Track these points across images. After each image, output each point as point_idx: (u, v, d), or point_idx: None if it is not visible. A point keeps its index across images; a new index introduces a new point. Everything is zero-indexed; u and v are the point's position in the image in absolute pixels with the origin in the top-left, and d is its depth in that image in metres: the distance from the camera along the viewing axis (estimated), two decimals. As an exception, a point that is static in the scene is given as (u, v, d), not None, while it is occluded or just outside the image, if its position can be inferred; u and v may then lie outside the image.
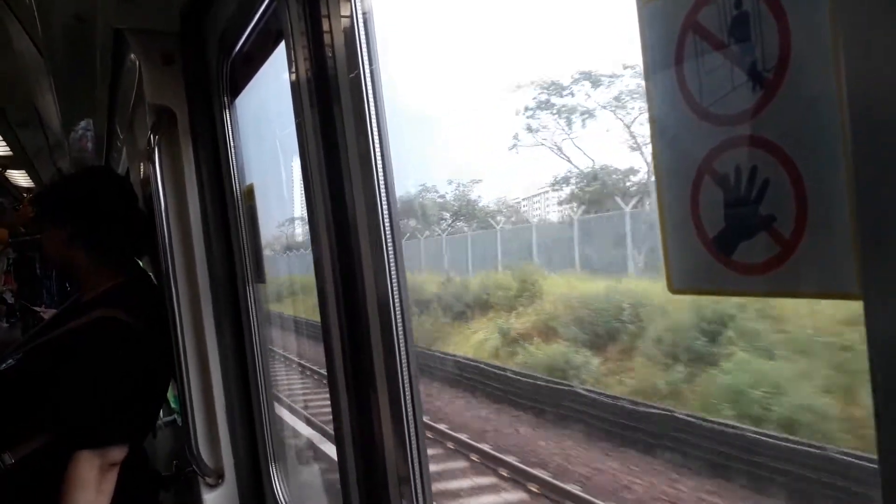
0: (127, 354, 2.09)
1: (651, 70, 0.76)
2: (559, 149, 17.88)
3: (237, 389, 2.57)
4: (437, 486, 8.38)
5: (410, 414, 1.58)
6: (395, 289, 1.58)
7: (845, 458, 6.84)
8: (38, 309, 5.34)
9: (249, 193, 2.46)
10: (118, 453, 2.02)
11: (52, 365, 2.09)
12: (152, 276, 2.87)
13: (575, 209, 15.95)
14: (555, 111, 17.75)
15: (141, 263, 3.95)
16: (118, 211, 2.30)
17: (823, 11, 0.56)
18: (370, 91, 1.55)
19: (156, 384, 2.26)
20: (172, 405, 3.41)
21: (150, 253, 3.21)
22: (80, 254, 2.25)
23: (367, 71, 1.56)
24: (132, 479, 2.18)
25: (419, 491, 1.59)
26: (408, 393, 1.58)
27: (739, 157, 0.66)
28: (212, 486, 2.55)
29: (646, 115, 0.78)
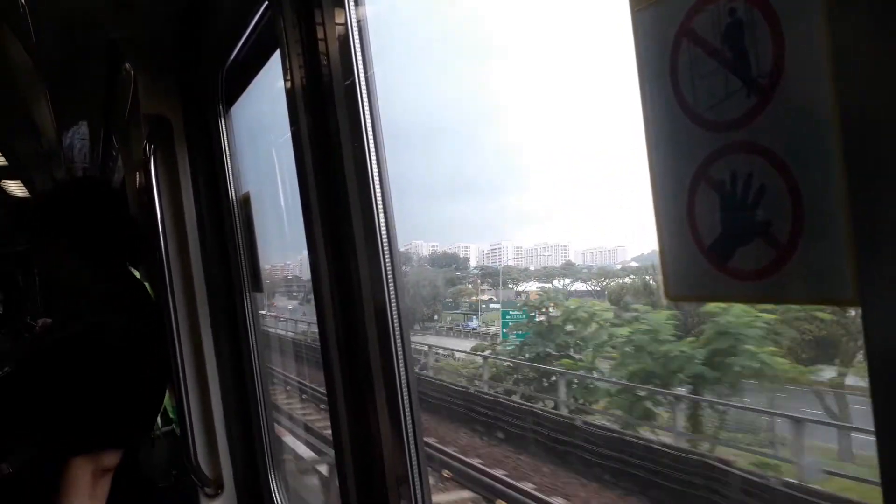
0: (120, 359, 2.08)
1: (645, 76, 0.76)
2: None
3: (235, 398, 2.56)
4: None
5: (408, 416, 1.58)
6: (391, 294, 1.57)
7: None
8: (33, 322, 5.33)
9: (246, 202, 2.45)
10: (111, 459, 2.02)
11: (48, 372, 2.09)
12: (147, 284, 2.86)
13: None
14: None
15: (137, 273, 3.95)
16: (111, 219, 2.31)
17: (817, 18, 0.56)
18: (365, 98, 1.55)
19: (150, 390, 2.25)
20: (171, 415, 3.39)
21: (145, 260, 3.20)
22: (77, 263, 2.26)
23: (363, 78, 1.55)
24: (123, 488, 2.18)
25: (418, 492, 1.58)
26: (405, 394, 1.58)
27: (735, 164, 0.66)
28: (211, 497, 2.54)
29: (639, 122, 0.78)
